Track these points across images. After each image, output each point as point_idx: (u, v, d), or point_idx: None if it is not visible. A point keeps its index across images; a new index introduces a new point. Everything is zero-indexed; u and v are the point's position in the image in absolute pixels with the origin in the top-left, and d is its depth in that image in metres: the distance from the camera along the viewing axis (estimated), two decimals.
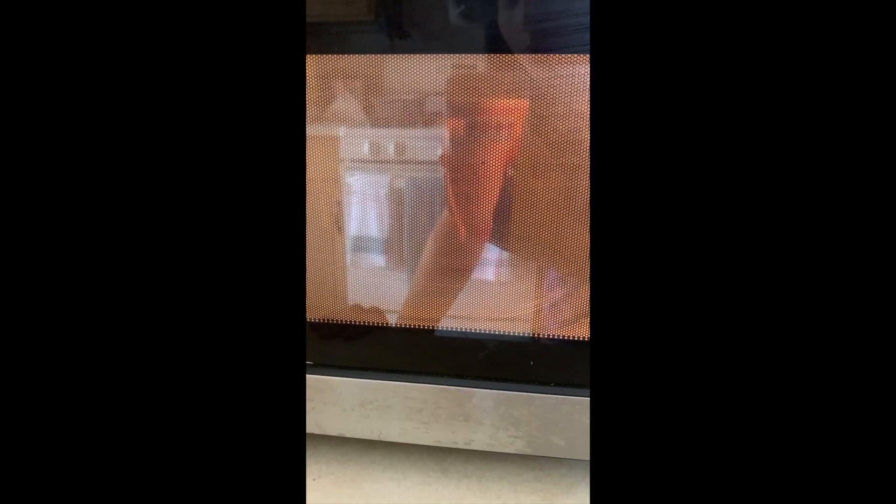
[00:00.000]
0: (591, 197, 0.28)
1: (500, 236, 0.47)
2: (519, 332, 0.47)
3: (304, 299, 0.26)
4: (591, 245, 0.30)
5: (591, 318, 0.41)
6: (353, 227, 0.48)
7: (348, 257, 0.49)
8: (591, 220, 0.28)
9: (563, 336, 0.46)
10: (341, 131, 0.46)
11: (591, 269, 0.34)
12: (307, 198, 0.46)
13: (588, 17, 0.40)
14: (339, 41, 0.42)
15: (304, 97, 0.43)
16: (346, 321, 0.48)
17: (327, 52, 0.43)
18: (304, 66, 0.42)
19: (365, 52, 0.43)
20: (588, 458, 0.48)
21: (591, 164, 0.29)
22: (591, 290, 0.29)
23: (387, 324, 0.48)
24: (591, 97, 0.28)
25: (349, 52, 0.43)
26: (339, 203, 0.48)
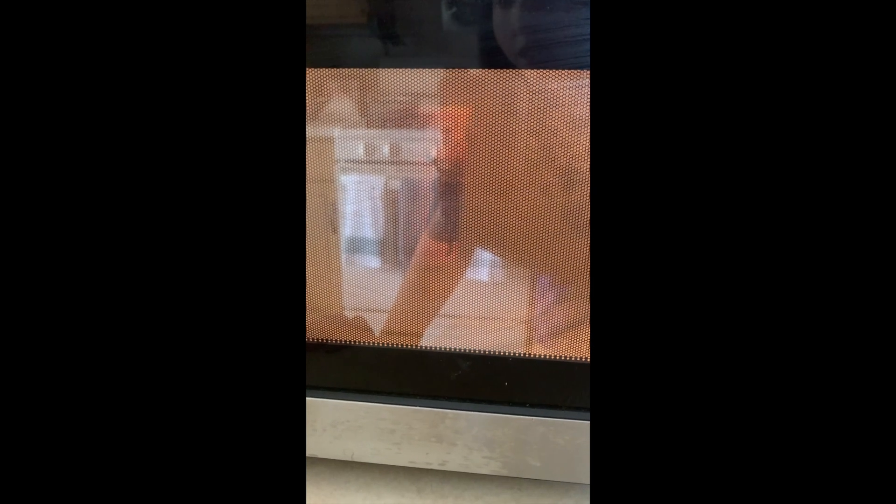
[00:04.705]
0: (591, 210, 0.27)
1: (476, 254, 0.46)
2: (493, 352, 0.45)
3: (304, 308, 0.26)
4: (591, 259, 0.30)
5: (591, 331, 0.40)
6: (335, 241, 0.47)
7: (321, 272, 0.48)
8: (591, 233, 0.28)
9: (539, 355, 0.45)
10: (332, 133, 0.45)
11: (591, 284, 0.33)
12: None
13: (562, 32, 0.39)
14: (332, 44, 0.42)
15: (304, 101, 0.42)
16: (318, 339, 0.47)
17: (319, 56, 0.42)
18: (304, 70, 0.41)
19: (357, 55, 0.42)
20: (563, 478, 0.47)
21: (591, 176, 0.28)
22: (591, 305, 0.28)
23: (358, 342, 0.47)
24: (591, 110, 0.27)
25: (341, 55, 0.42)
26: (334, 204, 0.47)
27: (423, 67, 0.41)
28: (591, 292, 0.29)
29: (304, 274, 0.46)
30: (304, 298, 0.28)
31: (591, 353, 0.34)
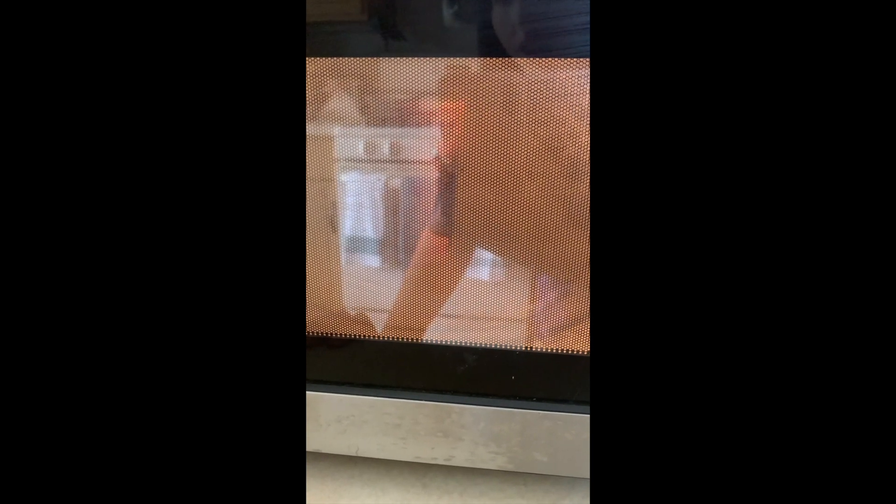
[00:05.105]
0: (591, 203, 0.27)
1: (483, 249, 0.46)
2: (499, 346, 0.45)
3: (304, 305, 0.26)
4: (591, 252, 0.30)
5: (591, 325, 0.40)
6: (335, 238, 0.47)
7: (325, 268, 0.47)
8: (591, 226, 0.27)
9: (545, 349, 0.45)
10: (334, 130, 0.45)
11: (591, 277, 0.33)
12: None
13: (567, 20, 0.39)
14: (332, 41, 0.41)
15: (304, 99, 0.42)
16: (321, 333, 0.47)
17: (320, 52, 0.42)
18: (304, 68, 0.41)
19: (358, 52, 0.41)
20: (571, 473, 0.47)
21: (591, 168, 0.28)
22: (591, 298, 0.28)
23: (363, 336, 0.47)
24: (591, 100, 0.27)
25: (342, 52, 0.41)
26: (334, 202, 0.47)
27: (425, 57, 0.41)
28: (591, 286, 0.29)
29: (304, 271, 0.45)
30: (304, 296, 0.27)
31: (591, 348, 0.34)
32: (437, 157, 0.44)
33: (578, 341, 0.45)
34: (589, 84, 0.40)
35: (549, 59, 0.40)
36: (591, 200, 0.38)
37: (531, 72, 0.40)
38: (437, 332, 0.46)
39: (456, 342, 0.45)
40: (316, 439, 0.49)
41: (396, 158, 0.45)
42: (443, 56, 0.41)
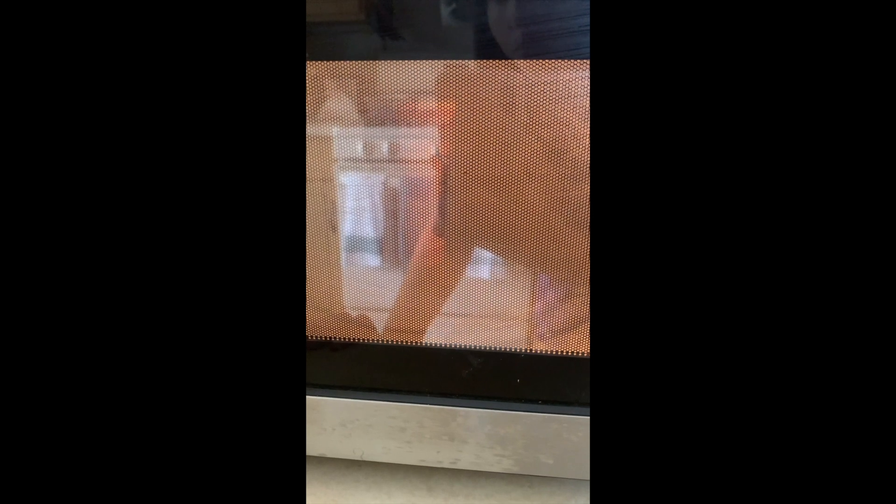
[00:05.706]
0: (591, 205, 0.27)
1: (483, 249, 0.46)
2: (504, 348, 0.45)
3: (304, 307, 0.26)
4: (591, 254, 0.30)
5: (591, 329, 0.40)
6: (338, 240, 0.47)
7: (325, 269, 0.47)
8: (591, 228, 0.27)
9: (551, 352, 0.45)
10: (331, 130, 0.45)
11: (591, 279, 0.33)
12: None
13: (570, 21, 0.39)
14: (331, 43, 0.41)
15: (304, 100, 0.41)
16: (325, 337, 0.47)
17: (318, 52, 0.41)
18: (304, 68, 0.41)
19: (357, 55, 0.41)
20: (577, 476, 0.47)
21: (591, 169, 0.28)
22: (591, 301, 0.28)
23: (368, 340, 0.46)
24: (591, 101, 0.27)
25: (341, 55, 0.41)
26: (333, 203, 0.46)
27: (423, 59, 0.40)
28: (591, 288, 0.29)
29: (304, 273, 0.45)
30: (304, 298, 0.27)
31: (591, 350, 0.34)
32: (438, 157, 0.44)
33: (583, 343, 0.44)
34: (586, 84, 0.40)
35: (550, 60, 0.39)
36: (591, 202, 0.38)
37: (532, 73, 0.40)
38: (441, 335, 0.46)
39: (460, 345, 0.45)
40: (320, 443, 0.49)
41: (396, 158, 0.45)
42: (443, 58, 0.40)
